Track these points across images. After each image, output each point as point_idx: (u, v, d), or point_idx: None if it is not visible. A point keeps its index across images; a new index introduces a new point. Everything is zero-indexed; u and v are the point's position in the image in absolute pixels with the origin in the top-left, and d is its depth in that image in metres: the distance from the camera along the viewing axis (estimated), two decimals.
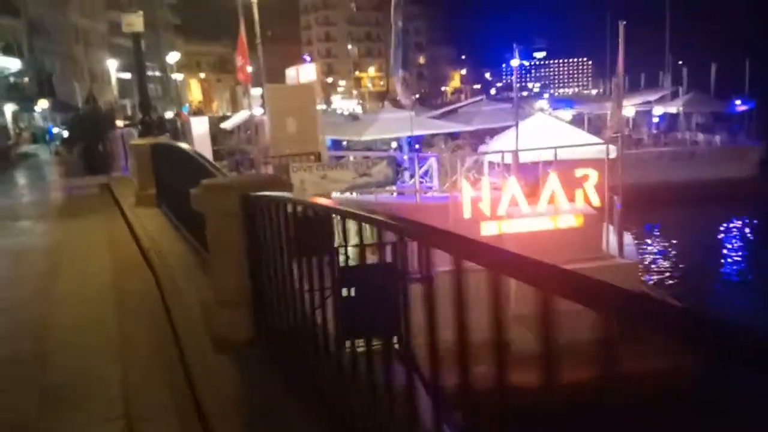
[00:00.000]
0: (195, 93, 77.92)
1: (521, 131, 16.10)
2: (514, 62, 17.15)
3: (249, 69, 18.56)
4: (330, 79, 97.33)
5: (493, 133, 20.76)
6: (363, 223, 2.34)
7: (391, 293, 2.35)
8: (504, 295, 1.51)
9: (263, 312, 3.62)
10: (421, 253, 1.88)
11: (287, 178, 13.72)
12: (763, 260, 20.77)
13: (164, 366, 3.80)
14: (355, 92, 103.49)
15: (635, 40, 15.30)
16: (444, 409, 1.93)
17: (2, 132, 34.41)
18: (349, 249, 2.70)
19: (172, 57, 54.96)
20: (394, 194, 16.66)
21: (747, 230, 25.34)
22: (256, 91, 23.53)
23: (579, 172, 13.49)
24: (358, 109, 67.70)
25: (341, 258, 2.72)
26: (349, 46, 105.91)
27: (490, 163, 17.02)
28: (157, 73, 61.47)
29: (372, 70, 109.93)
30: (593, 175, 13.58)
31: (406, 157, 19.23)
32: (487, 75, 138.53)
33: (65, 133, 25.63)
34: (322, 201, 3.23)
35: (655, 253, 22.21)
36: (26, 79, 41.20)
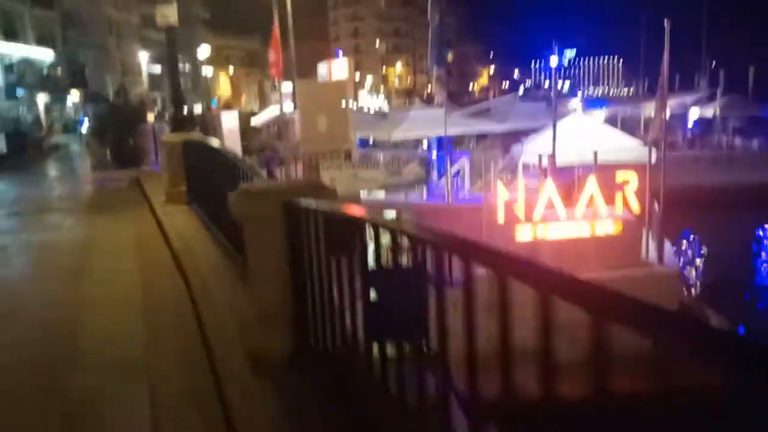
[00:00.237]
0: (223, 87, 78.37)
1: (557, 132, 15.61)
2: (553, 61, 16.67)
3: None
4: (357, 75, 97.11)
5: (527, 133, 20.22)
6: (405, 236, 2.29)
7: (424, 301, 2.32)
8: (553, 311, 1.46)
9: (305, 328, 3.31)
10: (465, 267, 1.85)
11: (317, 176, 13.48)
12: None
13: (195, 385, 3.51)
14: (382, 88, 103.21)
15: (671, 40, 14.73)
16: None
17: (35, 123, 34.84)
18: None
19: (203, 51, 55.19)
20: (424, 195, 16.32)
21: None
22: (285, 86, 23.32)
23: (620, 177, 13.00)
24: (385, 106, 67.49)
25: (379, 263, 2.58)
26: (377, 43, 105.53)
27: (525, 165, 16.55)
28: (187, 67, 61.88)
29: (399, 66, 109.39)
30: (633, 179, 13.08)
31: (434, 153, 18.85)
32: (515, 73, 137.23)
33: (93, 125, 25.76)
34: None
35: (691, 261, 21.46)
36: (59, 70, 41.69)
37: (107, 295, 5.31)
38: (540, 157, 15.29)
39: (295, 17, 19.50)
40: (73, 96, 41.07)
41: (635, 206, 12.94)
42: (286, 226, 3.33)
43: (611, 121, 31.61)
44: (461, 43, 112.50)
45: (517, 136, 21.89)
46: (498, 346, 1.65)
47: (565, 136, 15.56)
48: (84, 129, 31.74)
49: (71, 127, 37.64)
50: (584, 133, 16.20)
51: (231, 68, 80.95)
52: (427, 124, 20.88)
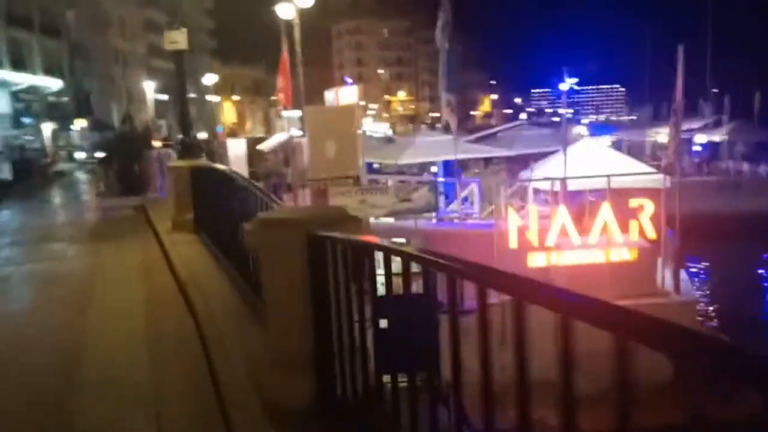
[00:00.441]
0: (228, 114, 78.88)
1: (567, 157, 15.41)
2: (563, 85, 16.55)
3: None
4: (362, 103, 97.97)
5: (536, 158, 20.07)
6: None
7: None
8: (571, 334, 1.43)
9: (328, 377, 3.00)
10: (480, 294, 1.82)
11: (326, 202, 13.24)
12: None
13: None
14: (385, 115, 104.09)
15: (673, 65, 14.65)
16: None
17: (40, 150, 34.94)
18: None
19: (209, 79, 55.71)
20: (434, 220, 16.05)
21: None
22: (291, 113, 23.26)
23: (634, 203, 12.72)
24: (390, 132, 67.96)
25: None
26: (380, 71, 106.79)
27: (535, 190, 16.31)
28: (193, 95, 62.37)
29: (402, 94, 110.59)
30: (648, 205, 12.80)
31: (441, 179, 18.65)
32: (518, 100, 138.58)
33: (99, 154, 25.71)
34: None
35: (705, 289, 21.02)
36: (65, 99, 41.97)
37: (109, 332, 4.97)
38: (552, 182, 15.07)
39: (301, 45, 19.53)
40: (79, 124, 41.26)
41: (651, 233, 12.63)
42: (309, 260, 3.03)
43: (617, 146, 31.60)
44: (464, 71, 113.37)
45: (524, 161, 21.79)
46: (514, 375, 1.62)
47: (576, 162, 15.35)
48: (85, 156, 31.80)
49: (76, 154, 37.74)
50: (594, 158, 15.99)
51: (236, 96, 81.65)
52: (433, 149, 20.80)
